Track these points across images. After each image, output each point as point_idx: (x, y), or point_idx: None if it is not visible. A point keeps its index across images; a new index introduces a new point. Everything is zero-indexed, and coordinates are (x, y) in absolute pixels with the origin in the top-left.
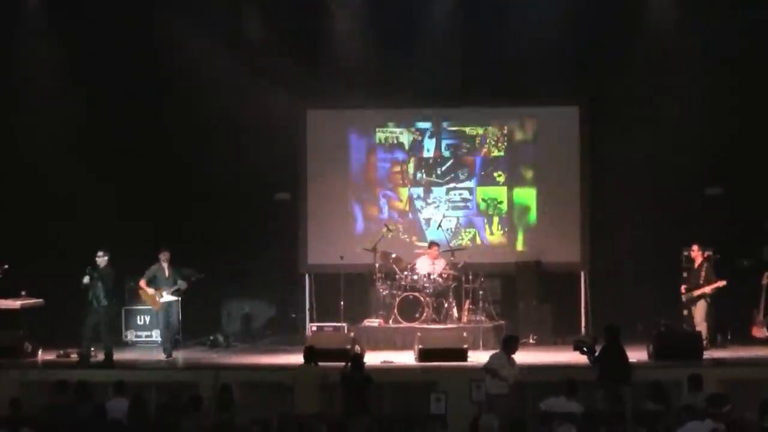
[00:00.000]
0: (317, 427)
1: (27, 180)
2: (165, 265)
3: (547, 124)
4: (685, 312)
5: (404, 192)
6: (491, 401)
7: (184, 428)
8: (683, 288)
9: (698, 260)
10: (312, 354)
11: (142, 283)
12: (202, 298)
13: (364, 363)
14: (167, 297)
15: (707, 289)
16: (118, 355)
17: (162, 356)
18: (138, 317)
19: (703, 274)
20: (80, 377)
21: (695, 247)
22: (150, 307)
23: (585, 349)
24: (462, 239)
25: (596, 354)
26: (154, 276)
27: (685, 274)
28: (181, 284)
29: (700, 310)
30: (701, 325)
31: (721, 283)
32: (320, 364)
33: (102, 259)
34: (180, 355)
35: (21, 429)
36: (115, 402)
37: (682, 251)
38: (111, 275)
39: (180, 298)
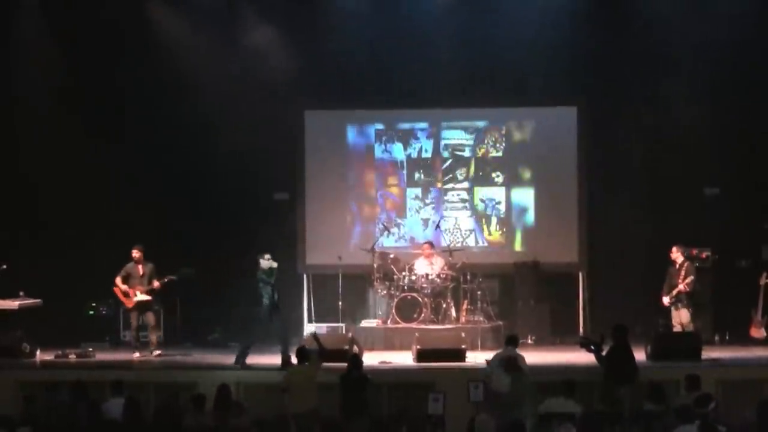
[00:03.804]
0: (314, 428)
1: (26, 179)
2: (139, 264)
3: (546, 125)
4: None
5: (402, 192)
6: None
7: (182, 428)
8: (664, 298)
9: (678, 261)
10: (304, 354)
11: (117, 281)
12: (200, 298)
13: (362, 363)
14: (140, 297)
15: (681, 287)
16: (116, 355)
17: (136, 354)
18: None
19: (682, 273)
20: (77, 377)
21: (675, 248)
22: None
23: (592, 347)
24: (460, 240)
25: (603, 353)
26: (128, 274)
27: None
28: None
29: (683, 313)
30: (687, 328)
31: (689, 279)
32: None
33: (267, 261)
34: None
35: (20, 429)
36: (113, 402)
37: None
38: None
39: (151, 298)
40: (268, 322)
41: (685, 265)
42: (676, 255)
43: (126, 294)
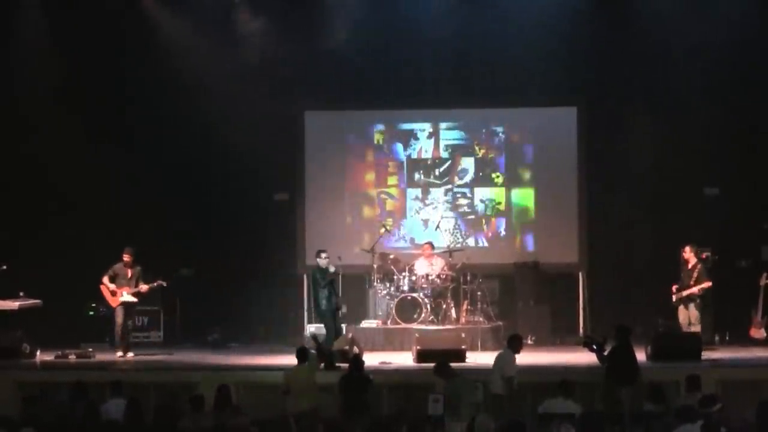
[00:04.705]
0: (314, 428)
1: (26, 179)
2: (128, 266)
3: (546, 125)
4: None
5: (402, 193)
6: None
7: (182, 429)
8: (673, 288)
9: (691, 261)
10: (303, 355)
11: (105, 279)
12: (200, 298)
13: (363, 363)
14: (126, 297)
15: (695, 290)
16: (115, 356)
17: (118, 354)
18: (136, 318)
19: (695, 275)
20: (77, 378)
21: (688, 248)
22: (149, 307)
23: (594, 346)
24: (460, 240)
25: (605, 353)
26: (116, 274)
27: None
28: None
29: (692, 312)
30: (695, 327)
31: (707, 285)
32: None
33: (324, 260)
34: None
35: (22, 429)
36: (112, 403)
37: (680, 252)
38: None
39: (137, 300)
40: (332, 323)
41: (698, 267)
42: (689, 255)
43: (113, 293)
